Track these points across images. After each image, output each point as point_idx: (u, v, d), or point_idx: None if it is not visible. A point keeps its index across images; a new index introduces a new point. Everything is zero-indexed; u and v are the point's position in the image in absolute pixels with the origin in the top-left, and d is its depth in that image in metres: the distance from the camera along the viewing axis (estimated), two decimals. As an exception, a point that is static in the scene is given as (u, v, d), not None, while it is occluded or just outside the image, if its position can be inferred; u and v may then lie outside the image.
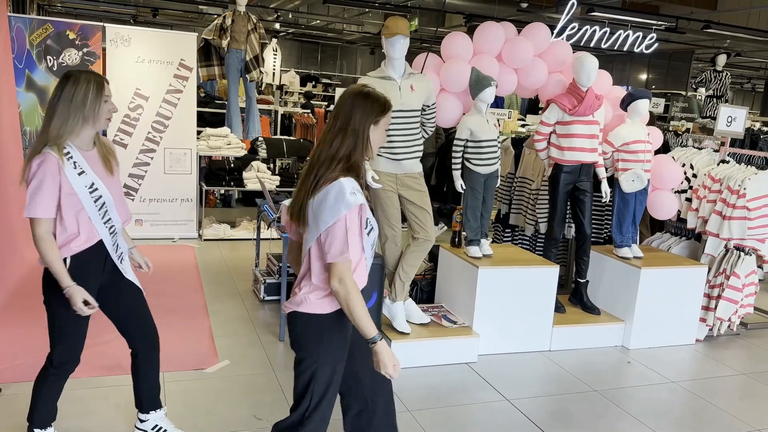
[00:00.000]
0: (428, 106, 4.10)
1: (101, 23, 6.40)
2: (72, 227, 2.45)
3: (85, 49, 6.23)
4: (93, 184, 2.47)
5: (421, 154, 4.04)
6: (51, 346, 2.58)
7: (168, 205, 6.68)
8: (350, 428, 2.41)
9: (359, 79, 3.99)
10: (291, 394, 2.12)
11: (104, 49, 6.39)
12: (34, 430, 2.65)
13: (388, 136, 3.89)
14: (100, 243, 2.53)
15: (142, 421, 2.87)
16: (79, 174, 2.43)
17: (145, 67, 6.44)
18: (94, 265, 2.55)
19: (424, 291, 4.78)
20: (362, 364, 2.32)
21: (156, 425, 2.87)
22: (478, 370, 4.04)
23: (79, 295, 2.42)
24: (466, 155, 4.28)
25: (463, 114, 4.42)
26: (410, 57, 4.36)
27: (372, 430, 2.38)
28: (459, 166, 4.30)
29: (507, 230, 6.02)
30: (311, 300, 2.14)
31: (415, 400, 3.59)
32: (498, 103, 8.80)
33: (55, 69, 6.13)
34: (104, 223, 2.53)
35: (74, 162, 2.42)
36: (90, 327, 2.61)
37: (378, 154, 3.94)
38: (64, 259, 2.45)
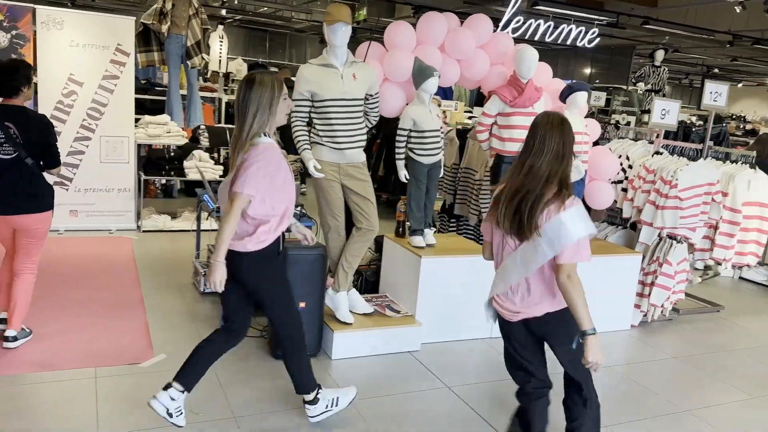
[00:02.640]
0: (371, 95, 4.07)
1: (32, 5, 6.10)
2: None
3: (13, 32, 5.93)
4: None
5: (364, 143, 4.01)
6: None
7: (104, 195, 6.44)
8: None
9: (299, 67, 3.92)
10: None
11: (35, 32, 6.09)
12: None
13: (330, 125, 3.85)
14: None
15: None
16: None
17: (80, 51, 6.17)
18: None
19: (369, 281, 4.77)
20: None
21: None
22: (421, 359, 4.06)
23: None
24: (410, 145, 4.27)
25: (406, 104, 4.42)
26: (357, 46, 4.33)
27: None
28: (402, 156, 4.28)
29: (452, 220, 6.06)
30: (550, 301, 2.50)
31: (358, 390, 3.57)
32: (447, 94, 8.83)
33: (-20, 51, 5.82)
34: None
35: None
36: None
37: (320, 144, 3.89)
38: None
